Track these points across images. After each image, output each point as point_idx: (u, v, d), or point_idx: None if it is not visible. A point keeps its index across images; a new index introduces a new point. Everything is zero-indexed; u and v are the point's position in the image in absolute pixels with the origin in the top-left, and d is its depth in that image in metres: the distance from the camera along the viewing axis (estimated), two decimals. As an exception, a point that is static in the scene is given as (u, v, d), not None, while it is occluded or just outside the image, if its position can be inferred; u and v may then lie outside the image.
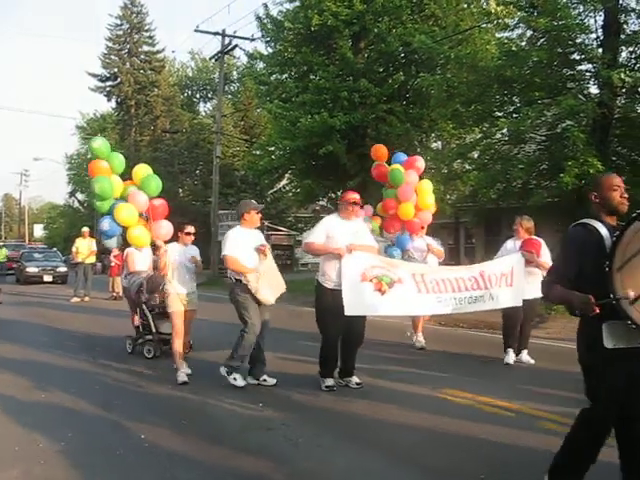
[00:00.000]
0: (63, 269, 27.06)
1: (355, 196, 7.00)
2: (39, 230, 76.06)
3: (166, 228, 8.45)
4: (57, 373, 8.16)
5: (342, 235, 6.75)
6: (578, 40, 13.48)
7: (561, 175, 12.14)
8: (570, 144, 12.67)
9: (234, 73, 47.61)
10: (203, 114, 51.75)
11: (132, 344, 9.68)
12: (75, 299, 18.54)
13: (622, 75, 11.51)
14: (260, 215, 7.33)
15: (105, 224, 8.37)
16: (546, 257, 7.98)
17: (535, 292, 7.54)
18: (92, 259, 19.56)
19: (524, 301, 7.90)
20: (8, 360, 8.88)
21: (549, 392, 6.58)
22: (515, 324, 8.33)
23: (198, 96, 55.56)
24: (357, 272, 6.64)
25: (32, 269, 26.82)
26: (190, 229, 7.94)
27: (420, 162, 10.82)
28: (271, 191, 38.35)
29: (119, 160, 8.97)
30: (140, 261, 9.82)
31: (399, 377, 7.42)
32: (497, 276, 7.68)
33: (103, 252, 26.52)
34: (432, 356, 8.99)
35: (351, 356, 7.04)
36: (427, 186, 10.65)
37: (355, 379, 7.00)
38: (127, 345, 9.74)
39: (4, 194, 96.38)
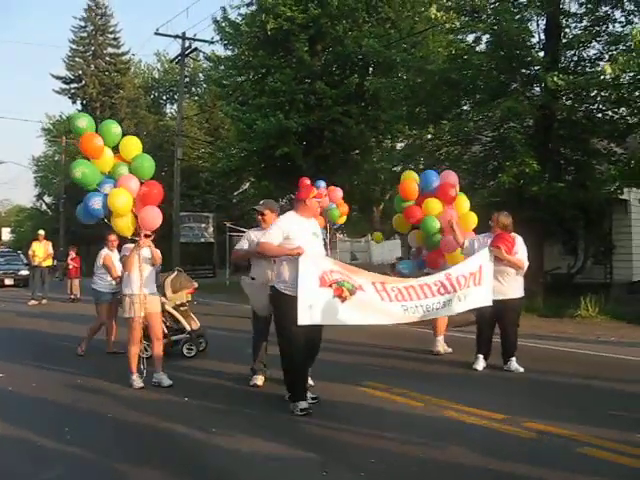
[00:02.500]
0: (25, 272, 26.93)
1: (320, 192, 6.43)
2: (7, 234, 75.17)
3: (158, 217, 7.30)
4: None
5: (302, 235, 6.05)
6: (520, 44, 13.80)
7: (499, 175, 12.52)
8: (508, 145, 13.03)
9: (200, 75, 47.63)
10: (170, 116, 51.67)
11: (149, 347, 8.96)
12: (32, 302, 18.60)
13: (555, 78, 11.84)
14: (262, 217, 7.04)
15: (97, 201, 7.11)
16: (521, 255, 7.57)
17: (512, 293, 7.57)
18: (49, 262, 19.58)
19: (499, 302, 7.31)
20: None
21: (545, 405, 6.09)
22: (483, 327, 7.86)
23: (165, 98, 55.44)
24: (315, 276, 5.90)
25: (-7, 273, 26.80)
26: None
27: (452, 189, 8.77)
28: (236, 192, 38.48)
29: (113, 131, 7.49)
30: (117, 263, 9.13)
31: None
32: (466, 277, 7.02)
33: (59, 257, 26.70)
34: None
35: (308, 367, 6.35)
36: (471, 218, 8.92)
37: (309, 394, 6.18)
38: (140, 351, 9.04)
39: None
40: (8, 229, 75.61)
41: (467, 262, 7.32)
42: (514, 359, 7.70)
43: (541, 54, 14.50)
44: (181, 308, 9.43)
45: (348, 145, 22.09)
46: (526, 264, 7.65)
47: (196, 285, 9.81)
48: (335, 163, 21.92)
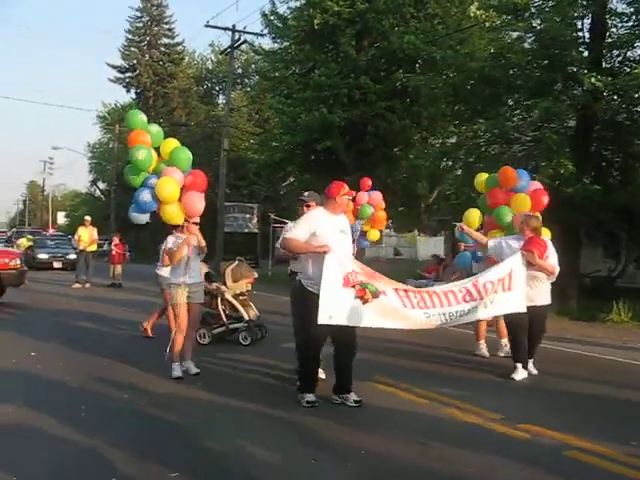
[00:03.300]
0: (73, 256, 27.65)
1: (347, 189, 6.21)
2: (62, 217, 77.13)
3: (200, 202, 7.48)
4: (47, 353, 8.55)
5: (329, 232, 5.95)
6: (562, 44, 13.64)
7: (533, 175, 12.39)
8: (545, 146, 12.91)
9: (253, 66, 48.08)
10: (221, 107, 52.31)
11: (207, 334, 9.36)
12: (76, 285, 19.23)
13: (593, 79, 11.69)
14: (307, 208, 6.79)
15: (147, 195, 7.33)
16: (552, 260, 7.33)
17: (541, 299, 7.40)
18: (94, 247, 20.16)
19: (528, 309, 7.04)
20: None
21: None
22: (520, 335, 7.47)
23: (217, 88, 56.12)
24: (340, 275, 5.83)
25: (42, 255, 27.70)
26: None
27: (545, 198, 8.71)
28: (284, 184, 38.82)
29: (157, 131, 7.90)
30: None
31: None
32: (493, 282, 6.76)
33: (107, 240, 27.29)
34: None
35: (346, 370, 6.15)
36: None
37: (353, 396, 6.06)
38: (199, 336, 9.10)
39: (29, 181, 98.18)
40: (63, 213, 77.84)
41: (497, 268, 6.98)
42: (530, 361, 7.56)
43: (585, 54, 14.33)
44: (240, 297, 9.55)
45: (391, 140, 22.15)
46: (557, 269, 7.41)
47: (256, 275, 9.97)
48: (377, 158, 22.00)
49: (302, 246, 5.99)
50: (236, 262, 9.84)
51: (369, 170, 21.45)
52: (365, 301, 5.87)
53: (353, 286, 5.86)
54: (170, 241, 7.56)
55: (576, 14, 13.89)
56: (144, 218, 7.58)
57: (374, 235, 11.89)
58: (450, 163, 15.80)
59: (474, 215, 8.84)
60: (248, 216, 30.85)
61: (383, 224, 12.33)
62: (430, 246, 34.43)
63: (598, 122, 14.64)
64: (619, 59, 14.30)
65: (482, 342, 8.85)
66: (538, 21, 13.92)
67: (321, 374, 6.60)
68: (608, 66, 14.47)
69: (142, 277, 20.31)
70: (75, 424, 5.38)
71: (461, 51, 17.31)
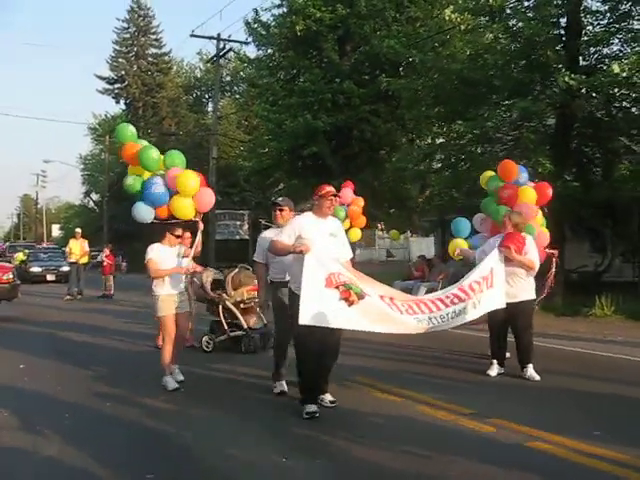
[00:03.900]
0: (66, 268, 27.76)
1: (332, 189, 6.18)
2: (56, 230, 77.16)
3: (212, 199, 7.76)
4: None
5: (316, 235, 5.94)
6: (537, 43, 13.83)
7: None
8: (524, 145, 13.10)
9: (241, 73, 48.25)
10: (210, 115, 52.40)
11: (211, 341, 9.47)
12: (68, 297, 19.37)
13: (566, 78, 11.87)
14: (280, 212, 6.94)
15: (158, 185, 7.33)
16: (531, 255, 7.36)
17: (522, 295, 7.34)
18: (85, 259, 20.33)
19: (510, 305, 7.10)
20: None
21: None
22: (495, 330, 7.63)
23: (207, 96, 56.24)
24: (322, 276, 5.71)
25: (36, 269, 27.84)
26: (179, 232, 7.43)
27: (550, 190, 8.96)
28: (275, 190, 38.92)
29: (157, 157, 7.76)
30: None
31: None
32: (479, 282, 6.82)
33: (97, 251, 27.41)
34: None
35: (326, 371, 6.20)
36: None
37: (329, 397, 6.19)
38: (204, 344, 9.44)
39: (23, 195, 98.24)
40: (57, 225, 77.87)
41: (478, 268, 7.04)
42: (531, 366, 7.39)
43: (563, 53, 14.51)
44: (242, 305, 9.46)
45: (376, 144, 22.32)
46: (537, 264, 7.45)
47: (256, 283, 9.29)
48: (363, 162, 22.16)
49: (282, 246, 6.02)
50: (237, 269, 9.75)
51: (355, 174, 21.63)
52: (350, 303, 5.74)
53: (337, 287, 5.73)
54: (155, 250, 7.27)
55: (551, 13, 14.09)
56: (150, 215, 7.47)
57: (355, 234, 11.84)
58: (435, 165, 15.97)
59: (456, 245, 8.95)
60: (239, 223, 30.97)
61: (362, 222, 12.25)
62: (422, 246, 34.64)
63: (577, 120, 14.82)
64: (595, 57, 14.51)
65: None
66: (514, 21, 14.09)
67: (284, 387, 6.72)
68: (585, 64, 14.69)
69: (134, 287, 20.49)
70: (57, 431, 5.54)
71: (443, 53, 17.51)
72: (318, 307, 5.63)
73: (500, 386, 7.17)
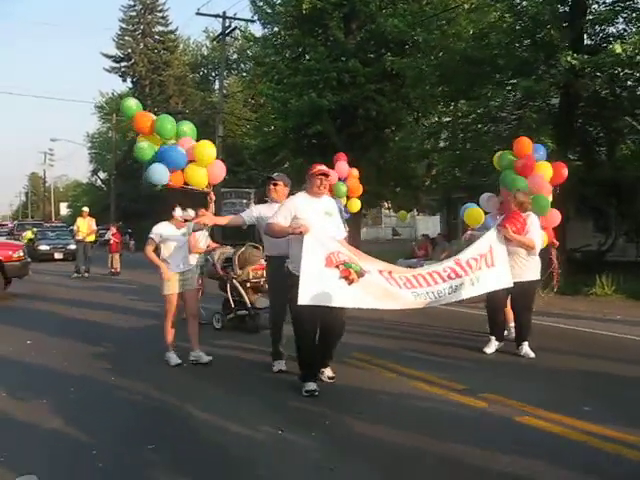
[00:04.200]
0: (73, 246, 27.98)
1: (323, 167, 6.18)
2: (64, 208, 77.51)
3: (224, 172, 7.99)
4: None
5: (312, 215, 5.94)
6: (541, 22, 13.78)
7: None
8: (526, 124, 13.12)
9: (248, 52, 48.06)
10: (217, 93, 52.32)
11: (221, 319, 9.62)
12: (76, 275, 19.62)
13: (569, 58, 11.86)
14: (274, 186, 6.96)
15: (180, 150, 7.47)
16: (532, 235, 7.36)
17: (524, 275, 7.35)
18: (92, 237, 20.58)
19: (513, 285, 7.12)
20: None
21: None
22: (495, 309, 7.68)
23: (213, 74, 56.12)
24: (322, 255, 5.75)
25: (43, 247, 28.09)
26: (178, 212, 7.30)
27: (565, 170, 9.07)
28: (282, 168, 38.92)
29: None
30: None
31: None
32: (477, 259, 6.84)
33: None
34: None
35: (328, 348, 6.29)
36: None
37: (329, 372, 6.31)
38: (214, 321, 9.62)
39: (30, 173, 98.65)
40: (65, 204, 78.23)
41: (476, 244, 7.08)
42: (526, 343, 7.47)
43: (567, 32, 14.45)
44: (247, 284, 9.45)
45: (382, 122, 22.27)
46: (538, 244, 7.46)
47: (262, 262, 9.03)
48: (368, 140, 22.12)
49: (280, 229, 5.99)
50: (243, 248, 9.68)
51: (361, 152, 21.66)
52: (350, 281, 5.78)
53: (337, 266, 5.78)
54: (160, 228, 7.32)
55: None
56: (165, 177, 7.44)
57: (355, 205, 11.77)
58: (440, 143, 16.00)
59: (474, 214, 8.92)
60: (245, 201, 30.99)
61: (359, 190, 11.94)
62: (429, 225, 34.71)
63: (582, 99, 14.80)
64: (600, 36, 14.45)
65: (512, 324, 8.35)
66: (518, 0, 14.04)
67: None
68: (590, 43, 14.64)
69: (142, 265, 20.61)
70: (62, 404, 5.74)
71: (449, 32, 17.45)
72: (318, 287, 5.67)
73: (495, 363, 7.28)
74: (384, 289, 6.13)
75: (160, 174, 7.39)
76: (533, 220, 7.48)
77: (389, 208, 38.40)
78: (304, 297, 5.59)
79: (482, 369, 6.99)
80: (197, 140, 7.81)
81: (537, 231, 7.49)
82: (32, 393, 6.14)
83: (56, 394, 6.10)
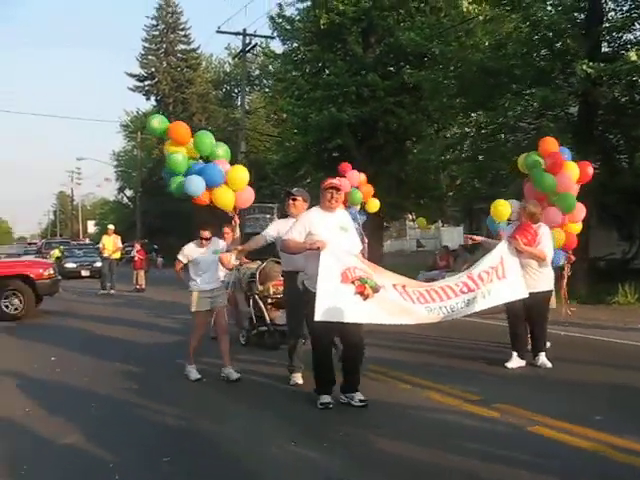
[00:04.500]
0: (99, 264, 28.35)
1: (334, 181, 6.18)
2: (92, 226, 78.45)
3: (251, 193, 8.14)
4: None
5: (326, 230, 5.94)
6: (557, 32, 13.81)
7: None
8: (544, 133, 13.07)
9: (270, 67, 48.49)
10: (240, 109, 52.78)
11: (246, 335, 9.61)
12: (102, 292, 19.89)
13: (584, 67, 11.86)
14: (293, 202, 6.96)
15: (220, 169, 7.66)
16: (544, 246, 7.33)
17: (537, 286, 7.31)
18: (117, 255, 20.84)
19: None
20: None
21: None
22: (515, 322, 7.60)
23: (236, 91, 56.64)
24: (337, 271, 5.79)
25: (70, 265, 28.51)
26: (205, 234, 7.38)
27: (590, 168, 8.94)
28: (305, 182, 39.10)
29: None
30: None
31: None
32: (488, 272, 6.83)
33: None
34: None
35: (352, 369, 6.14)
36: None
37: (359, 395, 6.03)
38: (240, 337, 9.63)
39: (59, 192, 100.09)
40: (93, 222, 79.27)
41: (487, 257, 7.07)
42: (543, 354, 7.47)
43: (584, 40, 14.44)
44: (268, 300, 9.36)
45: (402, 135, 22.37)
46: (549, 256, 7.41)
47: (281, 279, 8.96)
48: (388, 153, 22.23)
49: (296, 245, 6.01)
50: (264, 263, 9.56)
51: (381, 165, 21.77)
52: (365, 297, 5.80)
53: (352, 282, 5.79)
54: (186, 250, 7.48)
55: (571, 1, 14.06)
56: (200, 190, 7.55)
57: (373, 205, 11.65)
58: (458, 155, 16.01)
59: (502, 207, 8.81)
60: (269, 216, 31.09)
61: (371, 191, 11.79)
62: (454, 236, 34.55)
63: (601, 107, 14.77)
64: (617, 44, 14.41)
65: None
66: (533, 9, 14.05)
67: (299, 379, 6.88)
68: (609, 51, 14.61)
69: (167, 282, 20.86)
70: (83, 420, 5.86)
71: (467, 43, 17.51)
72: (334, 303, 5.70)
73: (512, 373, 7.27)
74: (398, 304, 6.14)
75: (197, 186, 7.53)
76: (544, 231, 7.46)
77: (413, 220, 38.41)
78: (320, 313, 5.63)
79: (497, 379, 7.00)
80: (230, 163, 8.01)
81: (548, 242, 7.47)
82: (53, 408, 6.28)
83: (77, 410, 6.25)
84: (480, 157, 15.26)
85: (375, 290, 5.86)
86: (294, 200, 7.00)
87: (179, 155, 7.79)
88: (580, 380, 6.81)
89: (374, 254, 22.72)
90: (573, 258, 8.83)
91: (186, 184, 7.55)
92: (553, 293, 8.38)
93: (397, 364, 7.77)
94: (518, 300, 7.10)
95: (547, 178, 8.29)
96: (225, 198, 7.72)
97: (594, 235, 17.89)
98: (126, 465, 4.69)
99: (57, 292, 15.27)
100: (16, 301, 13.90)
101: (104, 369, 8.21)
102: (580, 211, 8.67)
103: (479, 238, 8.54)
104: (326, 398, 5.92)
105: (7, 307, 13.84)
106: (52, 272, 14.87)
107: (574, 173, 8.51)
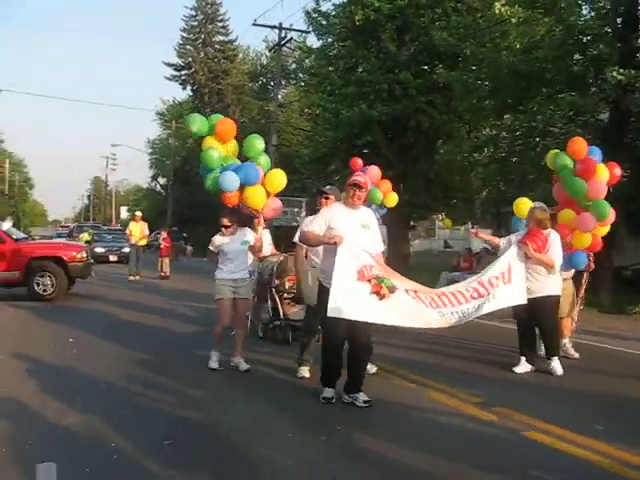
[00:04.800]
0: (127, 249, 28.75)
1: (358, 178, 6.08)
2: (124, 212, 79.45)
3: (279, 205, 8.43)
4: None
5: (346, 226, 5.87)
6: (592, 37, 13.70)
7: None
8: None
9: (307, 61, 48.55)
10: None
11: (264, 329, 9.58)
12: (131, 277, 20.27)
13: (614, 73, 11.75)
14: (325, 200, 6.81)
15: (257, 171, 7.81)
16: (553, 252, 7.31)
17: (544, 290, 7.29)
18: (144, 241, 21.15)
19: (531, 301, 7.08)
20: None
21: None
22: (522, 327, 7.67)
23: (272, 83, 56.77)
24: (354, 268, 5.76)
25: (99, 249, 28.90)
26: (224, 222, 7.58)
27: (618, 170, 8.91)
28: (336, 178, 39.17)
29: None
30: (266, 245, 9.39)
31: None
32: (497, 277, 6.87)
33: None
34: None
35: (358, 369, 6.14)
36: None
37: (363, 396, 5.99)
38: (259, 330, 9.63)
39: (94, 177, 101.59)
40: (125, 207, 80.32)
41: (497, 262, 7.09)
42: (555, 359, 7.40)
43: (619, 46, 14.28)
44: (285, 295, 9.34)
45: (433, 134, 22.31)
46: (558, 263, 7.36)
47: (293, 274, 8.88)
48: (418, 152, 22.18)
49: (315, 237, 6.00)
50: (282, 257, 9.57)
51: (411, 164, 21.76)
52: (382, 297, 5.77)
53: (369, 280, 5.76)
54: (215, 241, 7.62)
55: (606, 6, 13.91)
56: (235, 186, 7.68)
57: (392, 199, 11.06)
58: (485, 157, 15.93)
59: (524, 205, 8.65)
60: (296, 210, 31.33)
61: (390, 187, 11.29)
62: (483, 238, 34.22)
63: (632, 114, 14.60)
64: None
65: (565, 340, 8.45)
66: (568, 13, 13.92)
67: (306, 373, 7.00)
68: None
69: (195, 271, 21.16)
70: (93, 401, 6.05)
71: (502, 45, 17.39)
72: (348, 300, 5.68)
73: (518, 378, 7.27)
74: (412, 307, 6.12)
75: (231, 182, 7.65)
76: (554, 238, 7.43)
77: (442, 220, 38.24)
78: (333, 309, 5.64)
79: (504, 384, 7.01)
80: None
81: (558, 249, 7.43)
82: (64, 388, 6.49)
83: (88, 390, 6.45)
84: (511, 159, 15.17)
85: (391, 290, 5.84)
86: (327, 198, 6.87)
87: (215, 151, 7.93)
88: (588, 389, 6.79)
89: (400, 253, 22.90)
90: (592, 266, 8.68)
91: (221, 178, 7.69)
92: (573, 300, 8.49)
93: (405, 363, 7.82)
94: (523, 305, 7.09)
95: (578, 183, 8.19)
96: (258, 196, 7.82)
97: (621, 244, 17.73)
98: (127, 445, 4.83)
99: (90, 275, 15.56)
100: (48, 282, 14.19)
101: (119, 353, 8.37)
102: (611, 214, 8.48)
103: (484, 236, 8.52)
104: (329, 392, 5.98)
105: (39, 286, 14.12)
106: (84, 255, 15.10)
107: (605, 177, 8.41)
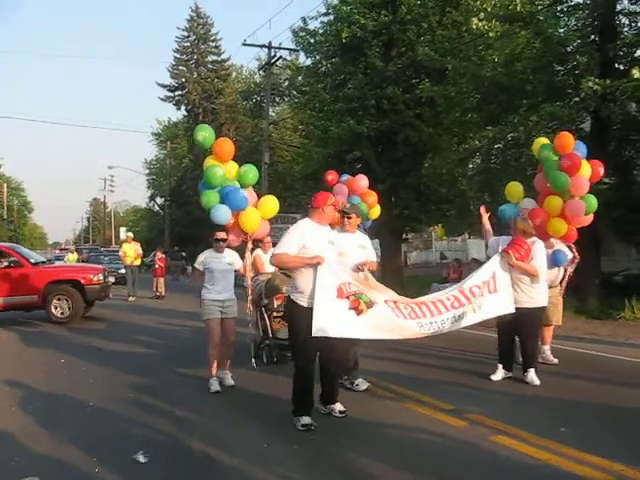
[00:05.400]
0: (124, 271, 28.84)
1: (337, 200, 6.16)
2: (124, 233, 79.42)
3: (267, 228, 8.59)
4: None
5: (318, 243, 5.84)
6: (568, 48, 13.96)
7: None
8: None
9: (299, 78, 48.89)
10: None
11: (255, 348, 9.12)
12: (130, 299, 20.54)
13: (590, 83, 11.97)
14: (348, 220, 6.87)
15: (243, 194, 8.03)
16: (537, 262, 7.30)
17: (528, 301, 7.30)
18: (138, 261, 21.33)
19: (516, 310, 7.08)
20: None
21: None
22: (502, 336, 7.68)
23: (265, 101, 57.11)
24: (333, 286, 5.79)
25: (97, 271, 28.98)
26: (220, 235, 7.74)
27: (602, 169, 8.95)
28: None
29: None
30: (267, 263, 9.40)
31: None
32: (479, 286, 6.87)
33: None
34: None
35: (332, 381, 6.21)
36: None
37: (339, 406, 6.10)
38: (252, 348, 9.08)
39: (92, 199, 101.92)
40: (125, 228, 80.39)
41: (480, 271, 7.09)
42: (532, 370, 7.40)
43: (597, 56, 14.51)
44: (274, 314, 9.19)
45: (422, 148, 22.51)
46: (542, 272, 7.36)
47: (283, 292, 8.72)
48: (407, 166, 22.38)
49: (293, 260, 5.82)
50: (269, 276, 9.33)
51: (400, 177, 21.94)
52: (359, 312, 5.85)
53: (347, 297, 5.82)
54: (202, 256, 7.75)
55: (584, 18, 14.18)
56: (228, 219, 7.90)
57: (375, 212, 11.24)
58: (470, 169, 16.14)
59: (514, 188, 9.02)
60: (291, 226, 31.44)
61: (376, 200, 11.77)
62: (481, 248, 34.42)
63: (614, 122, 14.82)
64: (628, 60, 14.46)
65: (546, 347, 8.64)
66: (544, 26, 14.16)
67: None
68: (623, 68, 14.64)
69: (189, 290, 21.20)
70: (77, 418, 6.28)
71: (486, 58, 17.62)
72: (330, 318, 5.70)
73: (494, 385, 7.41)
74: (390, 320, 6.17)
75: (224, 216, 7.91)
76: (538, 247, 7.40)
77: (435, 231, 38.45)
78: (319, 329, 5.64)
79: (478, 392, 7.12)
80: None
81: (542, 259, 7.42)
82: (51, 407, 6.72)
83: (73, 408, 6.67)
84: (496, 170, 15.37)
85: (369, 305, 5.92)
86: (349, 218, 6.93)
87: (219, 169, 8.07)
88: (560, 394, 6.91)
89: (394, 265, 23.05)
90: (578, 257, 8.72)
91: (213, 214, 7.89)
92: (560, 308, 8.59)
93: (384, 374, 7.95)
94: (509, 314, 7.10)
95: (561, 177, 8.29)
96: (252, 222, 8.05)
97: (612, 251, 17.95)
98: (109, 460, 5.00)
99: (107, 297, 15.85)
100: (65, 305, 14.54)
101: (110, 372, 8.56)
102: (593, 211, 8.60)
103: (487, 224, 8.36)
104: (306, 419, 5.75)
105: (57, 309, 14.46)
106: (101, 278, 15.38)
107: (588, 174, 8.49)
